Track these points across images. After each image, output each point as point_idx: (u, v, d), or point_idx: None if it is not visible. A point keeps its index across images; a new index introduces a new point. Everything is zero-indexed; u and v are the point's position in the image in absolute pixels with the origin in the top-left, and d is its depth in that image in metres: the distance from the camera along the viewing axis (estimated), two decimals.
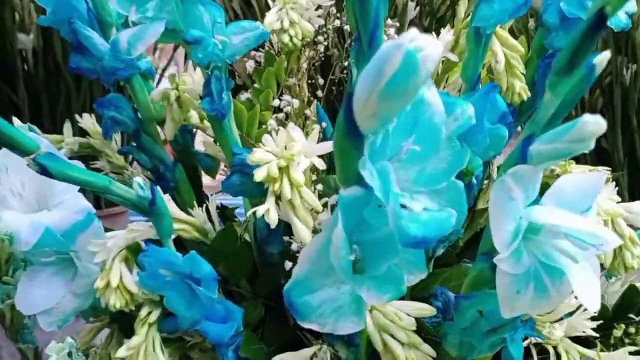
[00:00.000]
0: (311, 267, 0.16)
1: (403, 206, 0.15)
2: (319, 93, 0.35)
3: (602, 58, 0.16)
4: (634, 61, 0.54)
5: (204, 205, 0.29)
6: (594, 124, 0.15)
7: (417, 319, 0.22)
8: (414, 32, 0.13)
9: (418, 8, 0.54)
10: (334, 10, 0.36)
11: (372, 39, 0.17)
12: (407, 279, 0.16)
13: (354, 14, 0.23)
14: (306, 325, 0.16)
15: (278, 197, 0.24)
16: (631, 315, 0.28)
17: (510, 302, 0.17)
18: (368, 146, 0.15)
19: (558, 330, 0.25)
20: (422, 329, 0.23)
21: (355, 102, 0.14)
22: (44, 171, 0.21)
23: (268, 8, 0.34)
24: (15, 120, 0.28)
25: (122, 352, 0.25)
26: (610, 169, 0.32)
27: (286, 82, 0.34)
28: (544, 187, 0.18)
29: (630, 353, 0.27)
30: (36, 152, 0.20)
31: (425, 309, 0.21)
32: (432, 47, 0.13)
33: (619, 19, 0.28)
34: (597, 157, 0.54)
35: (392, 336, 0.21)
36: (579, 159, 0.41)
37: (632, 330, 0.28)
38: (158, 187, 0.25)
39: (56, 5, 0.27)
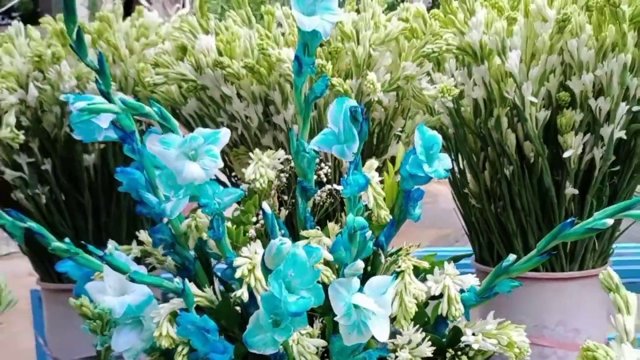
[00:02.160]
0: (254, 325, 0.38)
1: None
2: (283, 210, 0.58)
3: None
4: None
5: (212, 285, 0.51)
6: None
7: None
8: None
9: None
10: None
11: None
12: (295, 329, 0.37)
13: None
14: (253, 350, 0.38)
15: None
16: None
17: (347, 337, 0.39)
18: (272, 276, 0.36)
19: (405, 353, 0.46)
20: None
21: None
22: (132, 280, 0.43)
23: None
24: (110, 243, 0.50)
25: None
26: None
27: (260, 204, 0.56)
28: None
29: None
30: (128, 272, 0.42)
31: (320, 342, 0.43)
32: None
33: (439, 172, 0.49)
34: None
35: (304, 357, 0.42)
36: None
37: (460, 353, 0.49)
38: (186, 280, 0.47)
39: (129, 180, 0.49)
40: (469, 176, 0.75)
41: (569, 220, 0.44)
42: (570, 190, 0.67)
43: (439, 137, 0.49)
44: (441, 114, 0.73)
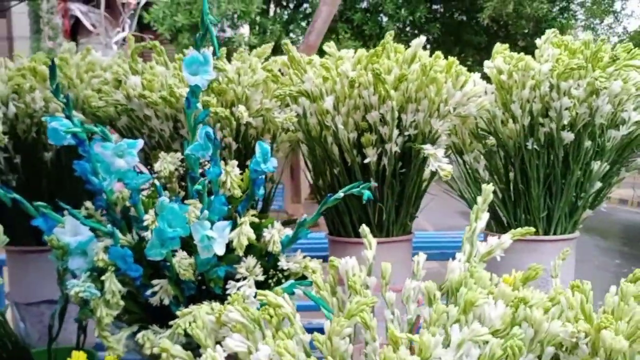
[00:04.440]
0: (151, 245, 0.72)
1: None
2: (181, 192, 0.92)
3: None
4: None
5: (131, 233, 0.84)
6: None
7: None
8: None
9: None
10: None
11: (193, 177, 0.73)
12: (172, 247, 0.72)
13: (189, 165, 0.80)
14: (149, 258, 0.71)
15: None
16: None
17: (202, 253, 0.73)
18: (158, 218, 0.70)
19: (242, 269, 0.81)
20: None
21: None
22: (83, 224, 0.75)
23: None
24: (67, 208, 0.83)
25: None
26: None
27: None
28: None
29: None
30: (80, 219, 0.75)
31: (189, 259, 0.77)
32: None
33: (269, 168, 0.85)
34: None
35: (181, 267, 0.76)
36: None
37: (278, 272, 0.85)
38: (115, 228, 0.80)
39: (81, 169, 0.82)
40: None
41: (330, 195, 0.81)
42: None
43: (268, 148, 0.85)
44: (297, 131, 1.09)
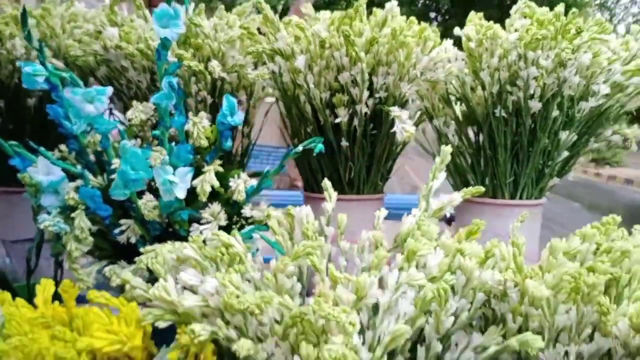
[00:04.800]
0: (114, 187, 0.76)
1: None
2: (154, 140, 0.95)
3: None
4: None
5: (102, 175, 0.88)
6: None
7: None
8: None
9: None
10: None
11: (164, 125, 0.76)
12: (135, 189, 0.76)
13: (160, 113, 0.84)
14: (114, 197, 0.75)
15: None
16: None
17: (164, 196, 0.77)
18: (121, 162, 0.74)
19: (207, 214, 0.85)
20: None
21: None
22: (54, 164, 0.79)
23: None
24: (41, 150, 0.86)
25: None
26: None
27: None
28: None
29: None
30: (51, 159, 0.79)
31: (154, 201, 0.81)
32: None
33: (236, 121, 0.88)
34: None
35: (147, 208, 0.81)
36: None
37: (241, 219, 0.89)
38: (85, 170, 0.84)
39: (54, 113, 0.86)
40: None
41: (291, 148, 0.84)
42: (344, 143, 1.08)
43: (235, 101, 0.88)
44: (274, 89, 1.12)
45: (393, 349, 0.67)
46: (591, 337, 0.66)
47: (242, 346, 0.58)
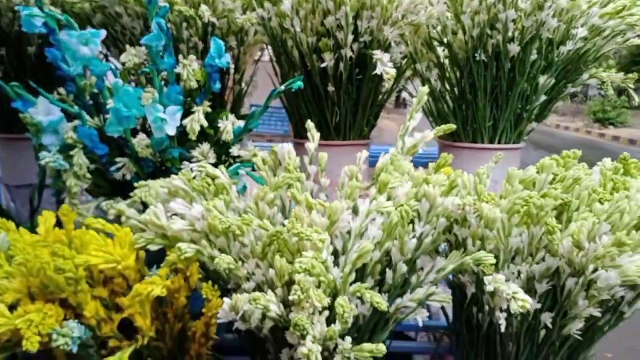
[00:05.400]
0: (109, 123, 0.82)
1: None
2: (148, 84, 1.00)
3: None
4: None
5: (99, 116, 0.94)
6: None
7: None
8: None
9: None
10: None
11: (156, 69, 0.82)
12: (128, 125, 0.81)
13: (151, 57, 0.89)
14: (109, 134, 0.81)
15: None
16: None
17: (156, 132, 0.83)
18: (114, 99, 0.80)
19: (196, 153, 0.91)
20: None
21: None
22: (53, 104, 0.85)
23: None
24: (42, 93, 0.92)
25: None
26: None
27: None
28: None
29: None
30: (50, 99, 0.85)
31: (146, 139, 0.87)
32: None
33: (223, 63, 0.93)
34: None
35: (141, 146, 0.87)
36: None
37: (229, 157, 0.95)
38: (83, 110, 0.89)
39: (52, 56, 0.91)
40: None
41: (274, 89, 0.90)
42: (330, 88, 1.13)
43: (222, 44, 0.92)
44: (263, 35, 1.16)
45: (366, 272, 0.74)
46: (543, 259, 0.73)
47: (223, 259, 0.65)
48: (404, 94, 1.31)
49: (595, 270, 0.67)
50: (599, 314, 0.70)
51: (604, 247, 0.64)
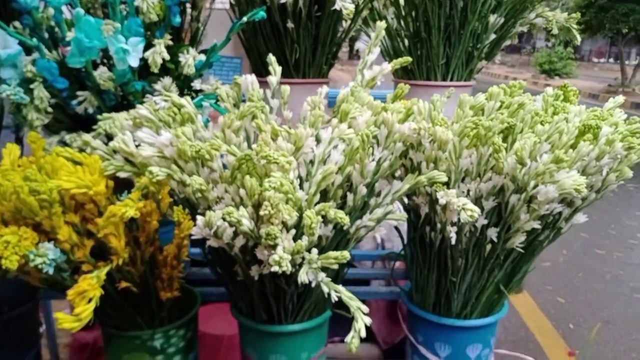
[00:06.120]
0: (71, 55, 0.81)
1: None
2: None
3: None
4: None
5: (56, 50, 0.93)
6: None
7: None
8: None
9: None
10: None
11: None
12: (90, 57, 0.81)
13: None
14: (70, 65, 0.81)
15: None
16: None
17: (118, 65, 0.83)
18: (75, 29, 0.80)
19: (159, 86, 0.92)
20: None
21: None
22: (10, 35, 0.84)
23: None
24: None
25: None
26: None
27: None
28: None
29: None
30: (7, 30, 0.83)
31: (109, 73, 0.88)
32: None
33: None
34: None
35: (102, 79, 0.87)
36: None
37: (192, 92, 0.96)
38: (40, 43, 0.88)
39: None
40: None
41: (237, 21, 0.91)
42: (289, 24, 1.14)
43: None
44: None
45: (328, 196, 0.79)
46: (490, 178, 0.79)
47: (195, 180, 0.68)
48: (358, 45, 1.34)
49: (536, 186, 0.74)
50: (539, 227, 0.78)
51: (544, 164, 0.71)
